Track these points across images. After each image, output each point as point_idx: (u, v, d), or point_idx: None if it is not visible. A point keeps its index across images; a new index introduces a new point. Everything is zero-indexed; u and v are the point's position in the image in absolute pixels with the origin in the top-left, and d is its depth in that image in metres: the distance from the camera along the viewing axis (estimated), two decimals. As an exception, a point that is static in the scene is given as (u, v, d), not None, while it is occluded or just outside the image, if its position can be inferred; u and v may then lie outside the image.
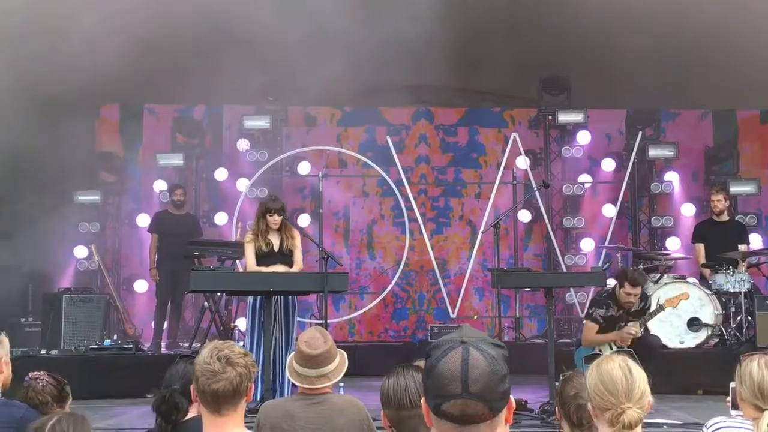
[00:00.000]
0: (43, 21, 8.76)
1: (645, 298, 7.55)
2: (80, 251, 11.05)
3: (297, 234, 7.52)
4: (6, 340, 4.03)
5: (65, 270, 11.15)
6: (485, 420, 1.83)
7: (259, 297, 7.17)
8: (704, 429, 3.44)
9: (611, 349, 7.21)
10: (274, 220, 7.31)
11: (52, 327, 9.49)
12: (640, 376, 2.64)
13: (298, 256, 7.44)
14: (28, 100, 9.22)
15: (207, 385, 2.84)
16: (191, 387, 3.03)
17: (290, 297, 7.32)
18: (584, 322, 7.79)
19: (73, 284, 10.68)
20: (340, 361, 4.04)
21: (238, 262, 10.05)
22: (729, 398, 3.70)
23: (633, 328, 7.22)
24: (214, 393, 2.84)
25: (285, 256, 7.38)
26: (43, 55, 8.57)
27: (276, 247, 7.37)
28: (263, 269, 7.27)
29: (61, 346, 9.29)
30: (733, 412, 3.67)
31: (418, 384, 2.85)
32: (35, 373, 4.02)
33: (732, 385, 3.65)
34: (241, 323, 10.48)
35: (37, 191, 10.56)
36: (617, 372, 2.61)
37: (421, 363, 3.25)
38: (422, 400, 1.92)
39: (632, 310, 7.39)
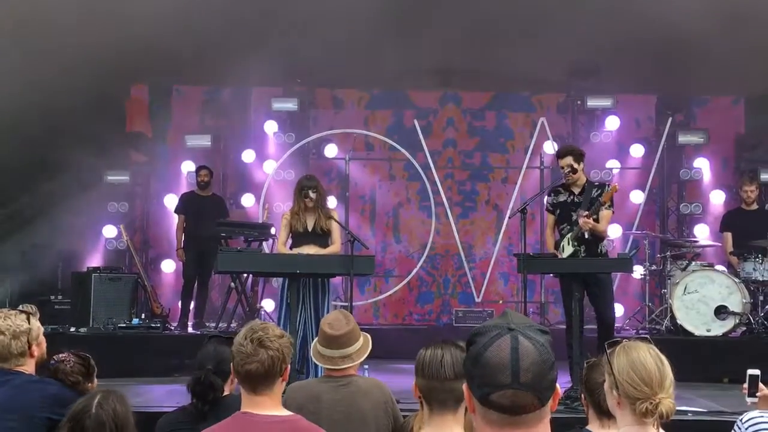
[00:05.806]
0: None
1: (601, 186, 7.68)
2: (109, 231, 11.18)
3: (335, 213, 7.55)
4: (35, 321, 4.03)
5: (94, 249, 11.29)
6: (534, 410, 1.76)
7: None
8: (738, 424, 3.30)
9: (569, 244, 7.46)
10: (309, 198, 7.32)
11: (81, 305, 9.60)
12: (668, 364, 2.56)
13: (336, 235, 7.42)
14: (60, 79, 9.29)
15: (240, 365, 2.93)
16: (231, 365, 3.08)
17: (320, 279, 7.24)
18: None
19: (102, 263, 10.80)
20: (364, 342, 4.06)
21: (264, 243, 10.10)
22: (746, 385, 3.62)
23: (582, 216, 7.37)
24: (247, 374, 2.92)
25: (318, 236, 7.36)
26: (75, 35, 8.61)
27: (309, 227, 7.37)
28: (289, 251, 7.29)
29: (90, 324, 9.40)
30: (749, 400, 3.60)
31: (455, 359, 2.80)
32: (60, 355, 4.00)
33: (749, 371, 3.58)
34: (267, 304, 10.56)
35: (67, 171, 10.64)
36: (650, 361, 2.52)
37: (463, 343, 3.24)
38: (464, 386, 1.84)
39: (585, 194, 7.52)
